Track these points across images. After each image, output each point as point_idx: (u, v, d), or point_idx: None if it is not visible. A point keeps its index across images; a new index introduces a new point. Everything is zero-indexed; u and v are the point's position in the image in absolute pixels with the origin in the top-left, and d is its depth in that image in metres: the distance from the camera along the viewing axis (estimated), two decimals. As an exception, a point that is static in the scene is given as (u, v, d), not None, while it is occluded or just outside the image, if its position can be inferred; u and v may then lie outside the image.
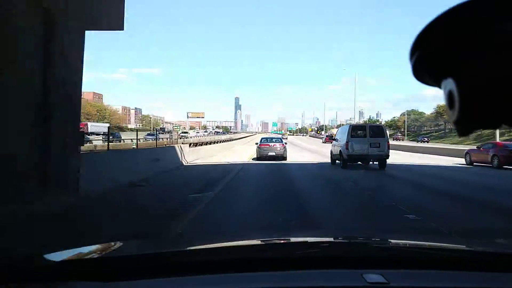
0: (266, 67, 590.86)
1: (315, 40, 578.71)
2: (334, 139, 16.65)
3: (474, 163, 16.77)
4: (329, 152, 17.26)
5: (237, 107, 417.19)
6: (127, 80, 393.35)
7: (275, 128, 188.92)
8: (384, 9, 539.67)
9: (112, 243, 1.40)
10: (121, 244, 1.40)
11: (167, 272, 1.00)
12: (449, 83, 0.36)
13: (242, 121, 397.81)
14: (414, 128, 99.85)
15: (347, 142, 14.07)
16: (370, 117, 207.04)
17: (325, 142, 50.25)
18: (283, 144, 19.45)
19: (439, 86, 0.39)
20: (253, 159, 19.88)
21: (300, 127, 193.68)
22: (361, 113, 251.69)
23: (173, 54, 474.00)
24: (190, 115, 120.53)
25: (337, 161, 15.71)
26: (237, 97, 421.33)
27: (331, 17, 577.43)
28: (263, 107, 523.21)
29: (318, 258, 1.01)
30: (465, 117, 0.35)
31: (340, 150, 14.69)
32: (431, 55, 0.38)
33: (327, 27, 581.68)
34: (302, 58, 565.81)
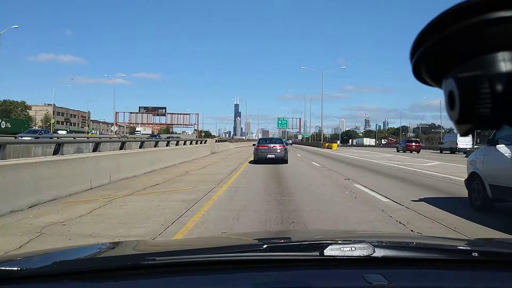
0: (267, 76, 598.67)
1: (317, 48, 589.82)
2: None
3: None
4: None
5: (237, 114, 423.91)
6: (127, 85, 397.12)
7: (279, 132, 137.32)
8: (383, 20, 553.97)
9: (110, 243, 1.45)
10: (119, 243, 1.43)
11: (165, 271, 1.02)
12: (450, 83, 0.37)
13: (242, 128, 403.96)
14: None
15: None
16: (376, 125, 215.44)
17: (403, 151, 35.89)
18: (283, 145, 17.00)
19: (439, 86, 0.40)
20: (250, 161, 17.20)
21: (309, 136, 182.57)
22: (367, 121, 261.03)
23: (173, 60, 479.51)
24: (142, 111, 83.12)
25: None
26: (236, 104, 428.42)
27: (333, 24, 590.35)
28: (263, 116, 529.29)
29: (318, 258, 1.03)
30: (466, 117, 0.36)
31: None
32: (431, 55, 0.39)
33: (329, 35, 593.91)
34: (305, 66, 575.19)
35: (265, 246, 1.12)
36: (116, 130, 64.78)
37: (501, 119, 0.35)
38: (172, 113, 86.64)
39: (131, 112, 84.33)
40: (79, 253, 1.36)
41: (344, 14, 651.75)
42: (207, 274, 1.01)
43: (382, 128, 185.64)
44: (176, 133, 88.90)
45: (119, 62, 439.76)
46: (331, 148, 45.18)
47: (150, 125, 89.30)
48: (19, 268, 1.00)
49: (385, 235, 1.72)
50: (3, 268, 1.01)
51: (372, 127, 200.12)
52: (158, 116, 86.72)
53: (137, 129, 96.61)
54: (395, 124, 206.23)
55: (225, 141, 44.73)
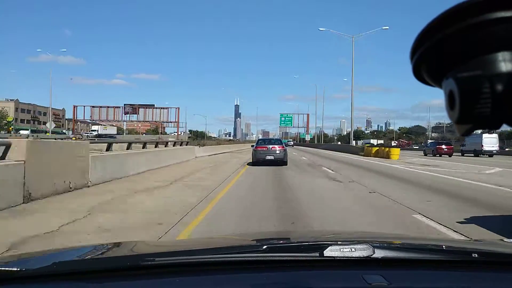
0: (268, 77, 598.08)
1: (317, 48, 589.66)
2: None
3: None
4: None
5: (237, 115, 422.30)
6: (126, 85, 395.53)
7: (280, 133, 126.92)
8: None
9: (109, 244, 1.44)
10: (119, 244, 1.43)
11: (165, 272, 1.02)
12: (450, 83, 0.37)
13: (242, 129, 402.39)
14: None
15: None
16: (378, 126, 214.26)
17: (433, 154, 30.45)
18: (282, 147, 16.71)
19: (439, 86, 0.41)
20: (248, 164, 16.89)
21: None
22: (368, 122, 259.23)
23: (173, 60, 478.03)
24: (128, 108, 63.42)
25: None
26: (237, 105, 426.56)
27: (333, 24, 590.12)
28: (264, 117, 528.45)
29: (317, 259, 1.04)
30: (466, 117, 0.36)
31: None
32: (431, 55, 0.39)
33: (330, 35, 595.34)
34: (305, 67, 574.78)
35: (264, 247, 1.12)
36: (54, 127, 49.67)
37: (501, 118, 0.35)
38: (146, 107, 63.20)
39: (93, 106, 62.65)
40: (79, 254, 1.36)
41: (345, 14, 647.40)
42: (207, 275, 1.02)
43: (384, 129, 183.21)
44: (166, 134, 76.34)
45: (118, 62, 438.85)
46: (388, 157, 23.48)
47: (134, 123, 72.21)
48: (19, 269, 1.00)
49: (385, 236, 1.68)
50: (3, 268, 1.01)
51: (374, 128, 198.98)
52: (128, 115, 63.35)
53: (93, 128, 76.76)
54: (396, 125, 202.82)
55: (187, 142, 25.94)
